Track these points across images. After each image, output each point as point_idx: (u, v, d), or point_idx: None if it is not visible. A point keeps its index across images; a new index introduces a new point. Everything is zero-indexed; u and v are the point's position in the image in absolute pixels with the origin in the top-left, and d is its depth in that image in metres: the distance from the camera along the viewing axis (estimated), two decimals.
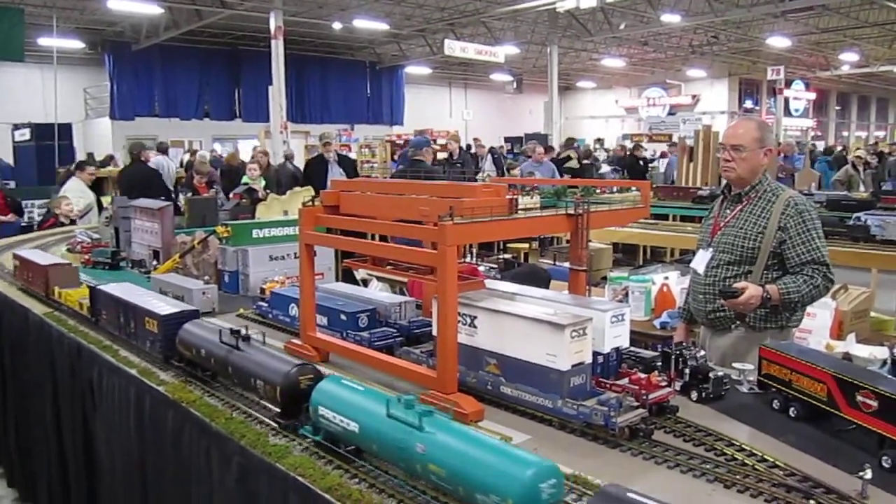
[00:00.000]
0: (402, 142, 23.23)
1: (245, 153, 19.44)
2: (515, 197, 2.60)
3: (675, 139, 19.18)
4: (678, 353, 2.60)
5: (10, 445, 5.03)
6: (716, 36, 26.73)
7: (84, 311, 3.90)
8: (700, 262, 3.69)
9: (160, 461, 2.90)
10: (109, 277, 5.12)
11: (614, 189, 10.66)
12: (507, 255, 8.77)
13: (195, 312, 3.19)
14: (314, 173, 10.12)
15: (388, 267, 2.98)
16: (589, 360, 2.35)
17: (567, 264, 3.02)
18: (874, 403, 2.11)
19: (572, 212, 2.77)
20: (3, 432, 5.12)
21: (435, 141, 16.98)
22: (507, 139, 24.81)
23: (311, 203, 3.09)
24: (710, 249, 3.66)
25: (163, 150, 14.66)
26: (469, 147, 18.33)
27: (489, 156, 16.19)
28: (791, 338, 3.64)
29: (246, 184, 10.15)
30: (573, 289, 2.91)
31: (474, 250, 9.10)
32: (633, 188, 10.49)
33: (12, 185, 14.41)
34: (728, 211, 3.67)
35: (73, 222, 8.29)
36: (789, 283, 3.38)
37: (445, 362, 2.46)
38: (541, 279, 5.41)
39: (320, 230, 3.21)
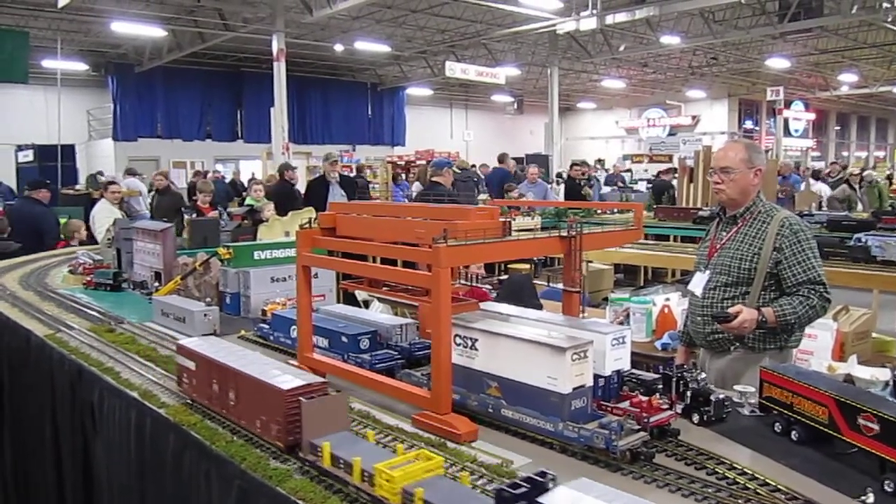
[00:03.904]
0: (403, 163, 23.28)
1: (245, 174, 19.61)
2: (509, 220, 2.63)
3: (674, 161, 19.20)
4: (679, 375, 2.60)
5: (6, 468, 5.01)
6: (715, 57, 26.93)
7: None
8: (697, 284, 3.72)
9: (160, 484, 2.89)
10: (113, 299, 5.14)
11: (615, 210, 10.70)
12: (506, 276, 8.76)
13: None
14: (315, 194, 10.15)
15: (385, 288, 3.01)
16: (590, 382, 2.35)
17: (561, 285, 3.03)
18: (875, 427, 2.10)
19: (565, 234, 2.79)
20: (0, 454, 5.10)
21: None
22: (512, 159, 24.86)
23: (308, 225, 3.13)
24: (708, 272, 3.68)
25: (132, 173, 15.48)
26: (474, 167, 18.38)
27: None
28: (791, 359, 3.65)
29: (250, 205, 10.18)
30: (567, 310, 2.93)
31: (481, 272, 9.09)
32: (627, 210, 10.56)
33: None
34: (724, 233, 3.70)
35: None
36: (785, 305, 3.40)
37: (439, 383, 2.48)
38: (519, 285, 5.44)
39: (322, 252, 3.21)
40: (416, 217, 2.80)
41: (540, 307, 4.74)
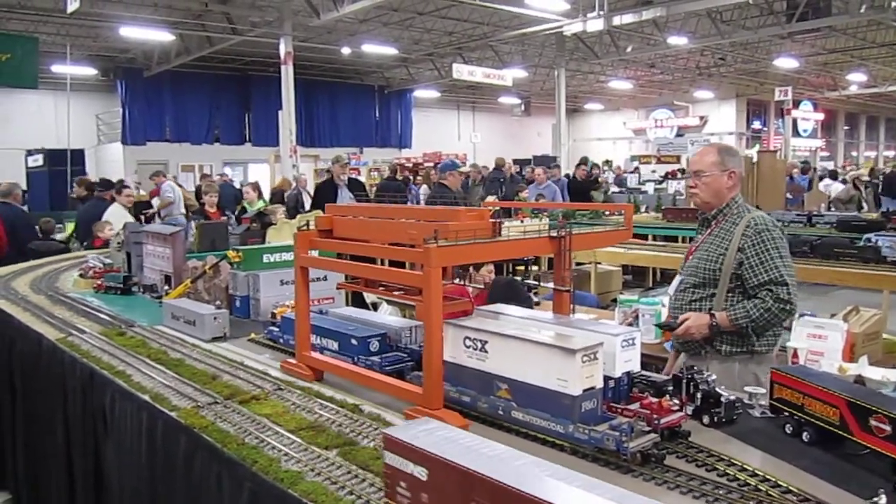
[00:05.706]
0: (410, 164, 23.29)
1: (251, 178, 19.55)
2: (499, 220, 2.69)
3: (682, 162, 19.21)
4: (689, 377, 2.60)
5: (17, 471, 5.03)
6: (723, 58, 26.86)
7: None
8: (673, 286, 3.75)
9: (171, 487, 2.91)
10: (123, 303, 5.17)
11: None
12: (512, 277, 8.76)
13: None
14: (323, 197, 10.17)
15: (381, 288, 3.06)
16: (600, 384, 2.35)
17: (551, 285, 3.06)
18: (887, 427, 2.09)
19: (554, 234, 2.82)
20: (12, 458, 5.13)
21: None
22: (515, 161, 24.87)
23: (305, 227, 3.18)
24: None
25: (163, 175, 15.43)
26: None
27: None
28: (772, 363, 3.59)
29: (245, 210, 10.24)
30: (557, 309, 2.96)
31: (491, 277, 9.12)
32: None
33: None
34: (699, 235, 3.73)
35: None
36: (739, 309, 3.41)
37: (431, 379, 2.53)
38: (507, 284, 5.48)
39: (330, 255, 3.23)
40: (409, 218, 2.86)
41: (530, 304, 4.77)
